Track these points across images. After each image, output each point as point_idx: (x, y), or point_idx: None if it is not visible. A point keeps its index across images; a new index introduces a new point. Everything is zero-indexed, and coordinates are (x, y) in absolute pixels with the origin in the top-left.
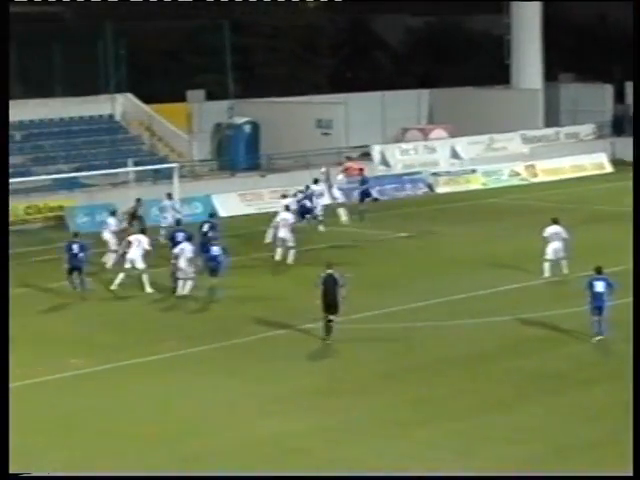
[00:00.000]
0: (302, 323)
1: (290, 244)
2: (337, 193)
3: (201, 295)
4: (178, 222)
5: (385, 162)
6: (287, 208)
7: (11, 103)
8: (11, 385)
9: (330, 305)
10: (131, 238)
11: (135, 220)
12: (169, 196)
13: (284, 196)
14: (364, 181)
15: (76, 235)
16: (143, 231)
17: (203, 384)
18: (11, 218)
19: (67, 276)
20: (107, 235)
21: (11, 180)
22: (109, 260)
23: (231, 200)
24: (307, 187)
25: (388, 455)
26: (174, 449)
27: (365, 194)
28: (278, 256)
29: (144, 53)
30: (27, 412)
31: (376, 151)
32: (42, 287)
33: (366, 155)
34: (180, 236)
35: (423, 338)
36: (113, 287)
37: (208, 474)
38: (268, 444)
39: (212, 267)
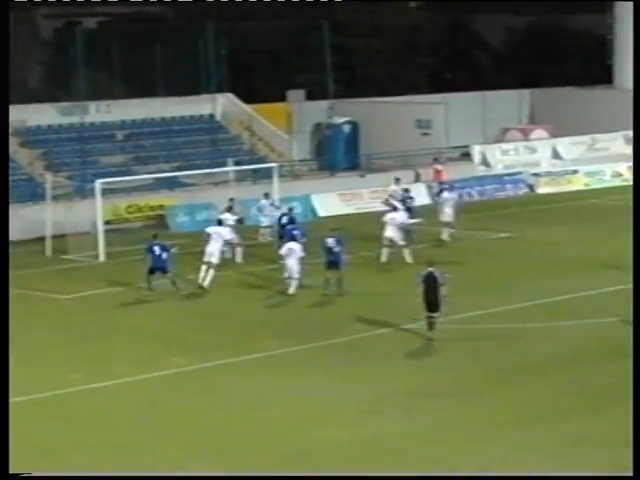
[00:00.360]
0: (402, 323)
1: (401, 243)
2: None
3: (313, 292)
4: (292, 220)
5: (485, 162)
6: (395, 208)
7: (113, 103)
8: (112, 383)
9: (431, 304)
10: (210, 230)
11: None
12: (266, 196)
13: (390, 196)
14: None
15: (155, 237)
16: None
17: (301, 383)
18: (112, 217)
19: (147, 276)
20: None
21: (112, 179)
22: (237, 256)
23: (330, 200)
24: (406, 189)
25: (484, 456)
26: (271, 449)
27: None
28: (384, 257)
29: (245, 53)
30: (128, 409)
31: (476, 151)
32: (140, 286)
33: (466, 155)
34: (295, 233)
35: (523, 339)
36: (205, 284)
37: (304, 474)
38: (365, 444)
39: (331, 260)
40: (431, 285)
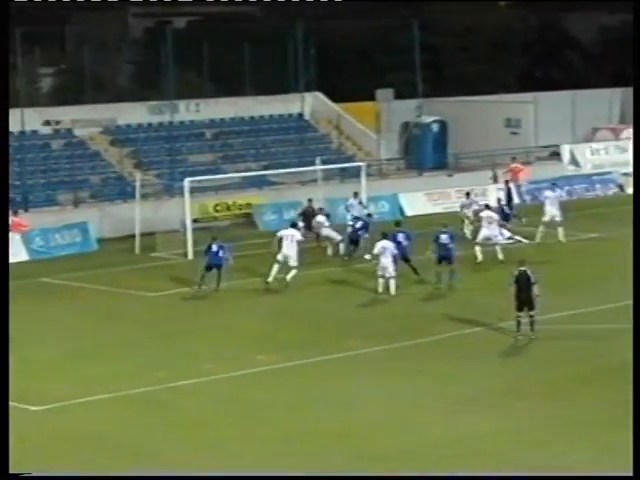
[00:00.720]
0: (492, 322)
1: (499, 239)
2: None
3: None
4: (398, 223)
5: (575, 162)
6: (487, 206)
7: (202, 102)
8: (199, 380)
9: (524, 303)
10: (282, 233)
11: (308, 219)
12: (355, 195)
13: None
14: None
15: (215, 238)
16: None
17: (388, 383)
18: (200, 215)
19: (203, 272)
20: (326, 231)
21: (201, 178)
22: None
23: (418, 199)
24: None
25: (572, 457)
26: (358, 448)
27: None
28: (480, 256)
29: (334, 52)
30: (215, 407)
31: (566, 151)
32: (228, 284)
33: (555, 155)
34: (400, 236)
35: (612, 340)
36: (288, 278)
37: (391, 474)
38: (454, 444)
39: (444, 255)
40: (524, 284)
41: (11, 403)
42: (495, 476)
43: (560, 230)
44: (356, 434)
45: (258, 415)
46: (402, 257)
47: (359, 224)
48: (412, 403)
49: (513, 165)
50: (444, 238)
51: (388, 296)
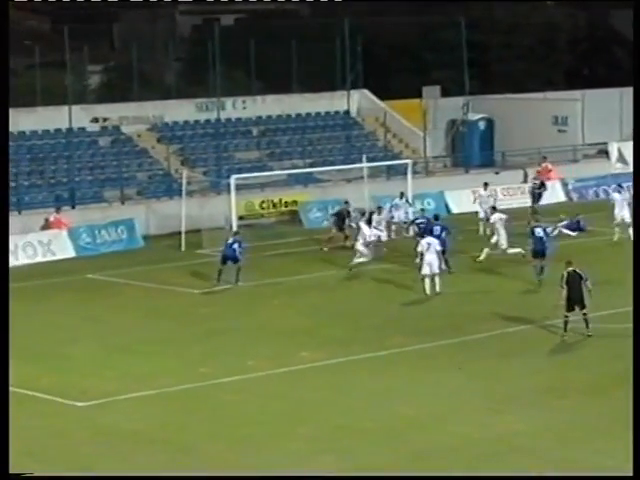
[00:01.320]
0: (536, 320)
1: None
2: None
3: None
4: (436, 217)
5: (623, 160)
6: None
7: (249, 99)
8: (242, 377)
9: (576, 302)
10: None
11: (342, 220)
12: (401, 195)
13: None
14: (542, 185)
15: (237, 233)
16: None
17: (430, 380)
18: (246, 212)
19: (220, 265)
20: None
21: (247, 175)
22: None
23: (464, 197)
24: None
25: (613, 456)
26: (399, 446)
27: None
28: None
29: (380, 49)
30: (257, 403)
31: (613, 148)
32: (273, 281)
33: (603, 153)
34: (437, 229)
35: None
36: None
37: (432, 473)
38: (493, 442)
39: (539, 249)
40: (576, 283)
41: (55, 399)
42: (536, 476)
43: (630, 231)
44: (397, 432)
45: (299, 412)
46: (230, 257)
47: (420, 219)
48: (453, 401)
49: (544, 165)
50: (539, 232)
51: (435, 294)
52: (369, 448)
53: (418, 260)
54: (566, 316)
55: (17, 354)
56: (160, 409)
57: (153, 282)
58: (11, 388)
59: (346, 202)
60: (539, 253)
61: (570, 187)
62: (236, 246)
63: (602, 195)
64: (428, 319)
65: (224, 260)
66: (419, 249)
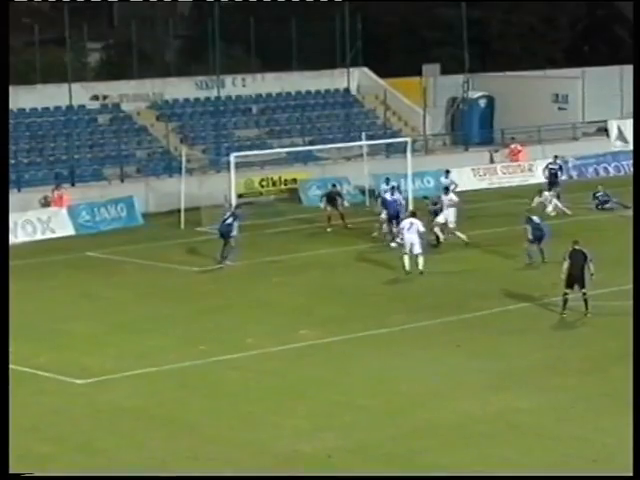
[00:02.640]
0: (535, 299)
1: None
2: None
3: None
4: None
5: (622, 138)
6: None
7: (248, 77)
8: (241, 355)
9: (576, 280)
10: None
11: (330, 203)
12: (387, 181)
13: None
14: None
15: (238, 207)
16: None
17: (430, 358)
18: (246, 190)
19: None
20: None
21: (247, 153)
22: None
23: (463, 175)
24: (555, 157)
25: (613, 434)
26: (400, 422)
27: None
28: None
29: (380, 27)
30: (257, 381)
31: (613, 126)
32: (272, 259)
33: (602, 130)
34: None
35: None
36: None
37: (432, 451)
38: (493, 420)
39: (537, 235)
40: (579, 261)
41: (54, 376)
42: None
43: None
44: (397, 409)
45: (299, 389)
46: (224, 234)
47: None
48: (453, 378)
49: (513, 146)
50: (536, 219)
51: (418, 273)
52: (369, 425)
53: (399, 240)
54: (565, 293)
55: (16, 332)
56: (160, 386)
57: (152, 260)
58: (11, 366)
59: (334, 185)
60: (537, 239)
61: (570, 165)
62: (230, 220)
63: (602, 173)
64: (428, 297)
65: (220, 236)
66: (401, 226)
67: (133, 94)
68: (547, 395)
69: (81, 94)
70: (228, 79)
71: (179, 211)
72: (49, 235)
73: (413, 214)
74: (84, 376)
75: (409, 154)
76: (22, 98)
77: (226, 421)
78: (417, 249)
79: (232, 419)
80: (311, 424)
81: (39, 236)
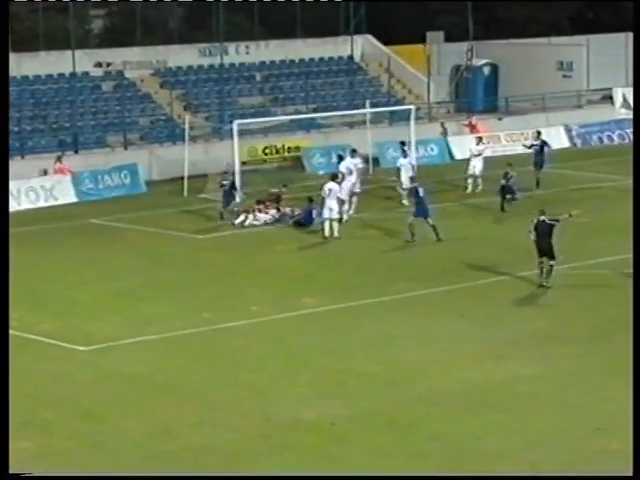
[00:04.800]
0: (533, 269)
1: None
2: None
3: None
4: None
5: (627, 105)
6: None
7: (252, 44)
8: (245, 322)
9: (544, 252)
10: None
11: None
12: (353, 151)
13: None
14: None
15: (226, 172)
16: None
17: (432, 326)
18: (249, 158)
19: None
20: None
21: (250, 120)
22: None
23: (467, 142)
24: (538, 134)
25: (615, 402)
26: (402, 390)
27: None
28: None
29: None
30: (260, 348)
31: (618, 94)
32: (275, 227)
33: (607, 98)
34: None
35: None
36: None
37: (435, 419)
38: (495, 388)
39: (420, 210)
40: (545, 233)
41: (58, 343)
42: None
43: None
44: (399, 376)
45: (302, 357)
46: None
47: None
48: (455, 347)
49: (470, 119)
50: (421, 191)
51: (334, 238)
52: (371, 392)
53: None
54: (540, 262)
55: (20, 298)
56: (163, 353)
57: (156, 227)
58: (15, 332)
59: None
60: (421, 214)
61: (574, 133)
62: (227, 188)
63: (606, 141)
64: (430, 265)
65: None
66: (322, 194)
67: (137, 61)
68: (550, 363)
69: (84, 61)
70: (231, 46)
71: (182, 179)
72: (52, 202)
73: (334, 178)
74: (88, 343)
75: (413, 122)
76: (25, 65)
77: (229, 388)
78: (335, 214)
79: (235, 386)
80: (314, 392)
81: (42, 203)
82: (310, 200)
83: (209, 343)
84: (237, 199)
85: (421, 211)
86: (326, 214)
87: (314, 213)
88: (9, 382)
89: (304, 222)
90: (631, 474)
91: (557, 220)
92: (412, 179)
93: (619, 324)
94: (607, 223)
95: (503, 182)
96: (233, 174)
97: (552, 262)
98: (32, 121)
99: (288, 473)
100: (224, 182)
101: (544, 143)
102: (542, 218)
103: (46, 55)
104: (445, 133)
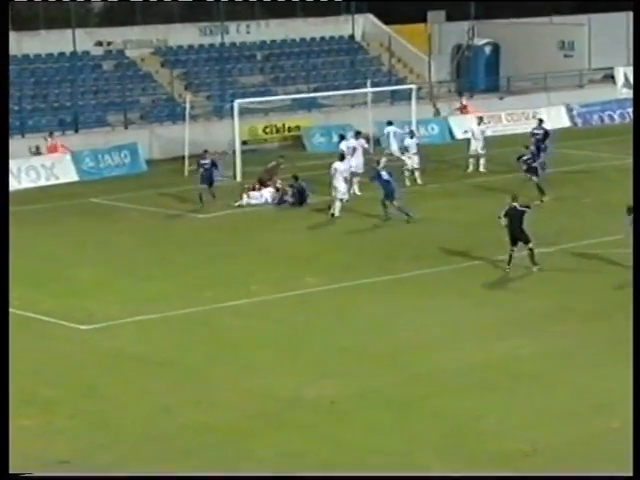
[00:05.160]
0: (538, 247)
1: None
2: None
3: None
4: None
5: (628, 85)
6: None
7: (253, 23)
8: (246, 301)
9: (516, 237)
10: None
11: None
12: (342, 138)
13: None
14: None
15: (206, 152)
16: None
17: (432, 305)
18: (250, 137)
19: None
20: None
21: (251, 100)
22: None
23: (468, 122)
24: (540, 122)
25: (616, 380)
26: (403, 369)
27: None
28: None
29: None
30: (261, 328)
31: (619, 73)
32: (276, 206)
33: (609, 78)
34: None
35: None
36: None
37: (435, 397)
38: (495, 367)
39: (387, 192)
40: (516, 219)
41: (59, 322)
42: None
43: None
44: (400, 355)
45: (303, 336)
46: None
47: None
48: (455, 326)
49: (461, 100)
50: (385, 175)
51: (336, 218)
52: (372, 371)
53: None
54: (511, 250)
55: (21, 277)
56: (164, 332)
57: (156, 206)
58: (15, 311)
59: (281, 154)
60: (388, 196)
61: (575, 112)
62: (208, 167)
63: (607, 120)
64: (434, 245)
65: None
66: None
67: (137, 40)
68: (550, 342)
69: (85, 40)
70: (232, 26)
71: (183, 158)
72: (53, 181)
73: (342, 158)
74: (89, 322)
75: (414, 101)
76: (26, 44)
77: (230, 367)
78: (340, 195)
79: (236, 365)
80: (314, 370)
81: (43, 182)
82: (295, 178)
83: (210, 322)
84: (218, 177)
85: (387, 194)
86: (334, 193)
87: (306, 190)
88: (10, 360)
89: (299, 201)
90: (631, 474)
91: (528, 207)
92: (378, 162)
93: (617, 303)
94: (607, 203)
95: (525, 166)
96: (214, 153)
97: (530, 245)
98: (33, 100)
99: (287, 451)
100: (203, 162)
101: (546, 132)
102: (514, 204)
103: (47, 34)
104: (437, 113)
